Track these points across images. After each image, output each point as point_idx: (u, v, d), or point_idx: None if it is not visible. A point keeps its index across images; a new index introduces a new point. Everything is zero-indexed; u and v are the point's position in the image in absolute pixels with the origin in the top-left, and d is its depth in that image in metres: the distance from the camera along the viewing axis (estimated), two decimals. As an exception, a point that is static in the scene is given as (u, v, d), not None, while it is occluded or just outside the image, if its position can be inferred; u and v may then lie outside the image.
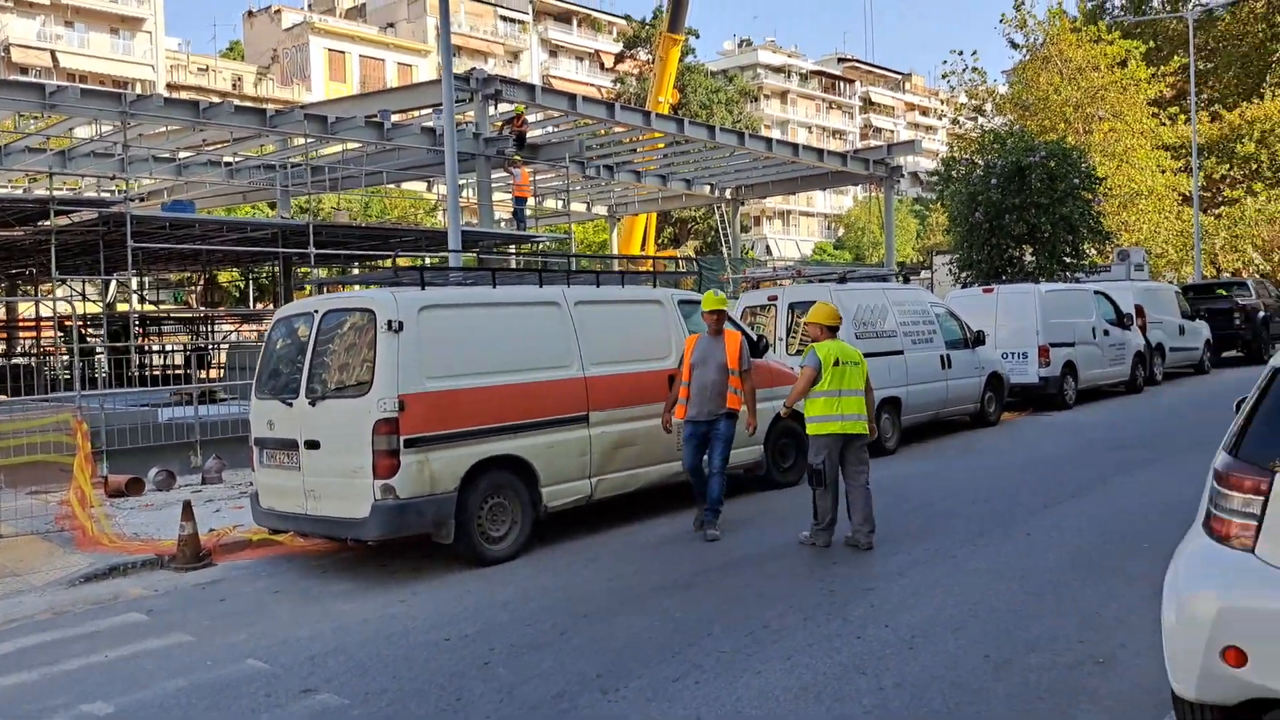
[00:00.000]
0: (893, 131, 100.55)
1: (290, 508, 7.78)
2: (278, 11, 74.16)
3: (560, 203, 37.19)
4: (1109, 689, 4.70)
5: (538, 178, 29.95)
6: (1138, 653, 5.07)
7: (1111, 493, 9.26)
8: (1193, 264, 32.16)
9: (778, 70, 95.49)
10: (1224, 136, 39.15)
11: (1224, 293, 24.06)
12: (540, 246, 25.56)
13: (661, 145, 30.07)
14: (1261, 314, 23.35)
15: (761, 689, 4.88)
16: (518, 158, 23.06)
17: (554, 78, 74.48)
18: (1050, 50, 34.05)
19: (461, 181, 25.69)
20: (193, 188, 25.83)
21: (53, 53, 55.25)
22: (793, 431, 10.16)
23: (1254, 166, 38.38)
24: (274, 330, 8.51)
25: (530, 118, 25.77)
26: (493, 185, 25.28)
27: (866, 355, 11.68)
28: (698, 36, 59.29)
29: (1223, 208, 37.23)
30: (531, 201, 29.41)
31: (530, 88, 24.10)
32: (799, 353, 12.05)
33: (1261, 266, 36.38)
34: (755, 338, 9.89)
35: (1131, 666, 4.94)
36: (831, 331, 7.93)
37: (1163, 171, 32.42)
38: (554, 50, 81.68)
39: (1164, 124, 33.90)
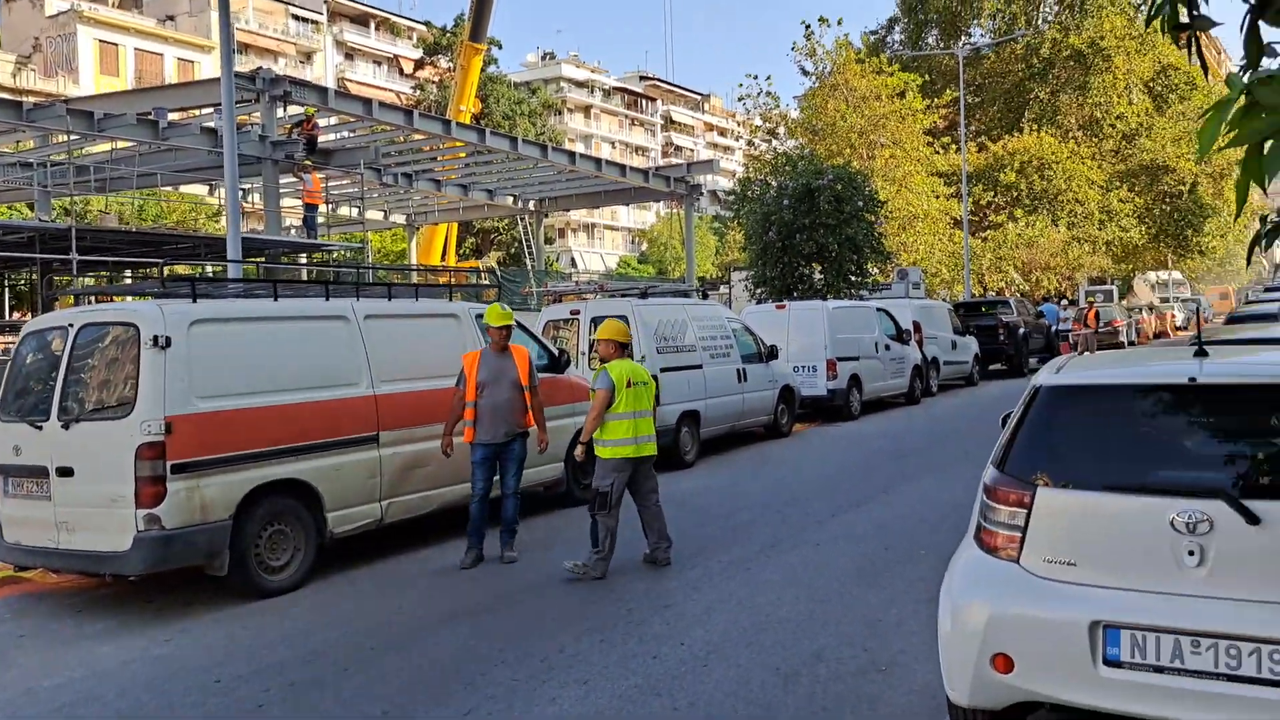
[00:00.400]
0: (693, 150, 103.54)
1: (40, 541, 7.00)
2: (40, -5, 68.06)
3: (356, 210, 36.11)
4: (890, 696, 4.86)
5: (332, 184, 28.83)
6: (916, 658, 5.27)
7: (893, 501, 9.73)
8: (963, 283, 34.69)
9: (581, 85, 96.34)
10: (989, 166, 42.59)
11: (989, 311, 26.04)
12: (333, 256, 24.51)
13: (463, 155, 29.62)
14: (1022, 330, 25.43)
15: (555, 718, 4.75)
16: (308, 162, 22.05)
17: (350, 81, 72.02)
18: (837, 79, 35.89)
19: (246, 186, 24.51)
20: (-66, 184, 23.25)
21: None
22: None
23: (1014, 194, 41.95)
24: (22, 345, 7.66)
25: (323, 122, 24.75)
26: (281, 191, 24.10)
27: (668, 370, 11.99)
28: (500, 47, 58.96)
29: (988, 231, 40.37)
30: (325, 209, 28.25)
31: (323, 90, 23.15)
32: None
33: (1021, 286, 39.74)
34: (557, 352, 9.78)
35: (910, 673, 5.13)
36: (622, 349, 7.80)
37: (936, 197, 34.79)
38: (350, 53, 79.02)
39: (938, 153, 36.44)
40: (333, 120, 24.88)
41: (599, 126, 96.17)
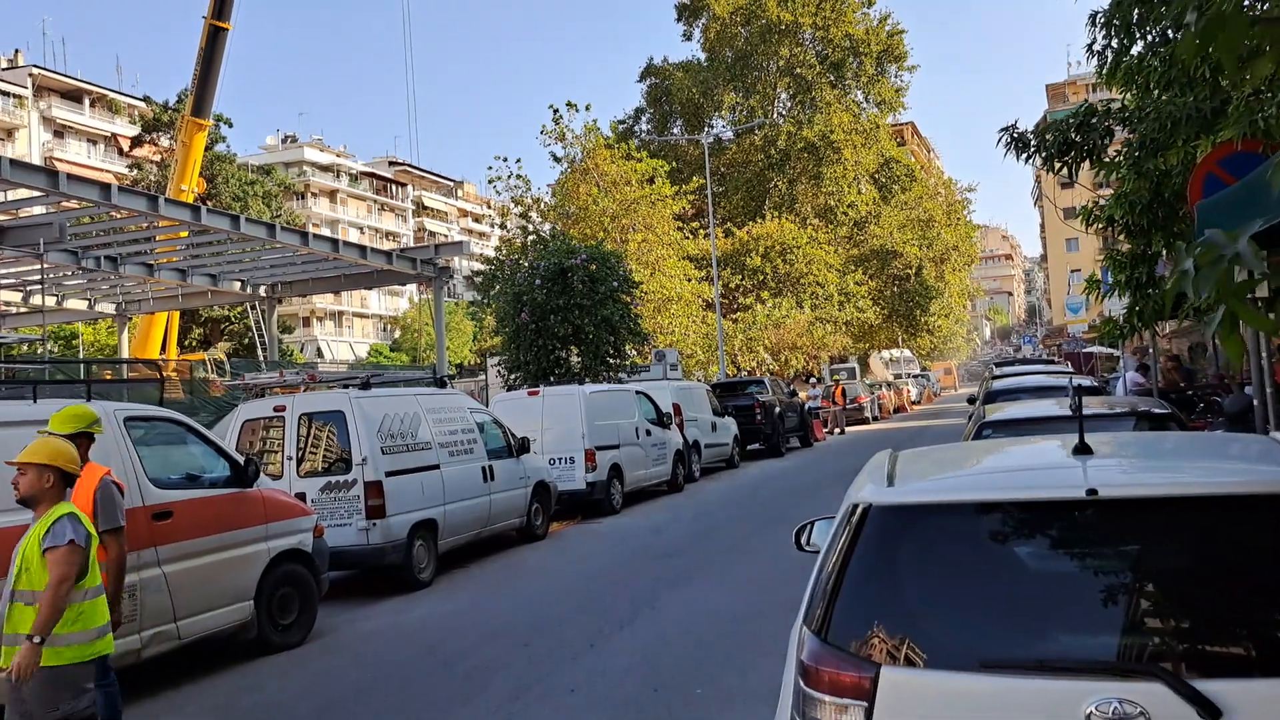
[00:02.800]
0: (446, 236, 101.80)
1: None
2: None
3: (48, 299, 31.68)
4: None
5: (19, 269, 24.94)
6: None
7: (659, 617, 8.34)
8: (718, 363, 34.85)
9: (326, 169, 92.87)
10: (736, 251, 43.79)
11: (746, 390, 25.84)
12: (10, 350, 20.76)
13: (184, 234, 26.56)
14: (777, 409, 25.33)
15: None
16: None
17: (60, 160, 65.42)
18: (588, 163, 35.72)
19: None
20: None
21: None
22: (295, 577, 8.14)
23: (761, 278, 43.22)
24: None
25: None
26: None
27: (396, 474, 10.15)
28: (230, 125, 55.21)
29: (739, 313, 41.18)
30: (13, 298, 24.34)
31: (-20, 157, 19.70)
32: (314, 473, 10.07)
33: (772, 365, 40.63)
34: (242, 459, 7.78)
35: None
36: (65, 481, 4.67)
37: (689, 280, 34.99)
38: (60, 130, 72.11)
39: (688, 237, 36.85)
40: (10, 195, 21.38)
41: (346, 211, 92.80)
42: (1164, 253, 7.79)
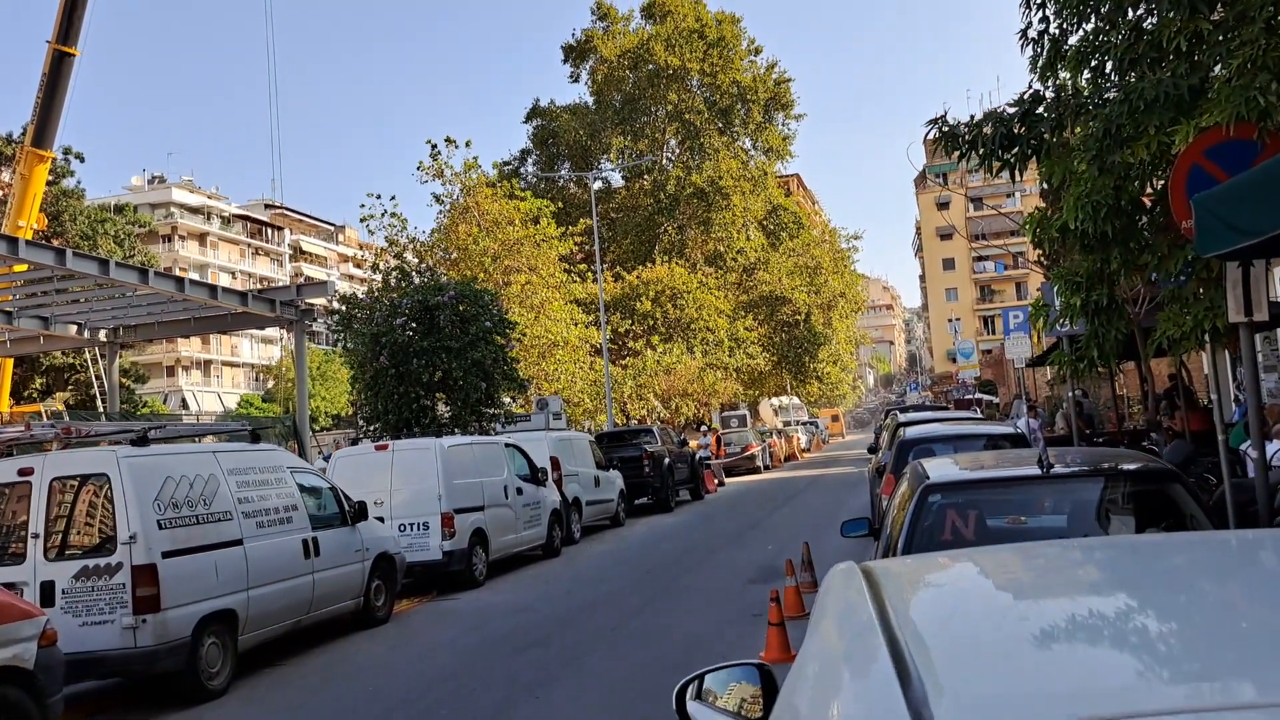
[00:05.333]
0: (330, 281, 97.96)
1: None
2: None
3: None
4: None
5: None
6: None
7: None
8: (606, 412, 33.10)
9: (196, 211, 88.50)
10: (626, 295, 42.41)
11: (633, 440, 24.10)
12: None
13: (4, 269, 23.63)
14: (667, 460, 23.63)
15: None
16: None
17: (-105, 195, 60.05)
18: (468, 201, 33.93)
19: None
20: None
21: None
22: (6, 707, 5.91)
23: (651, 323, 41.87)
24: None
25: None
26: None
27: (178, 553, 7.98)
28: (81, 160, 51.12)
29: (628, 359, 39.65)
30: None
31: None
32: (68, 555, 7.80)
33: (663, 413, 39.08)
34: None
35: None
36: None
37: (575, 324, 33.32)
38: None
39: (575, 280, 35.23)
40: None
41: (217, 255, 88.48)
42: (1122, 272, 6.38)
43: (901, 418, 14.78)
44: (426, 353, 18.50)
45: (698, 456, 28.15)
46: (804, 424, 58.57)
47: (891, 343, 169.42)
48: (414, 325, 18.79)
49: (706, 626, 9.42)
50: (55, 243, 38.01)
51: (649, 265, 44.90)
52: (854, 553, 7.77)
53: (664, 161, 50.35)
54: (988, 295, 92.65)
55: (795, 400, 59.75)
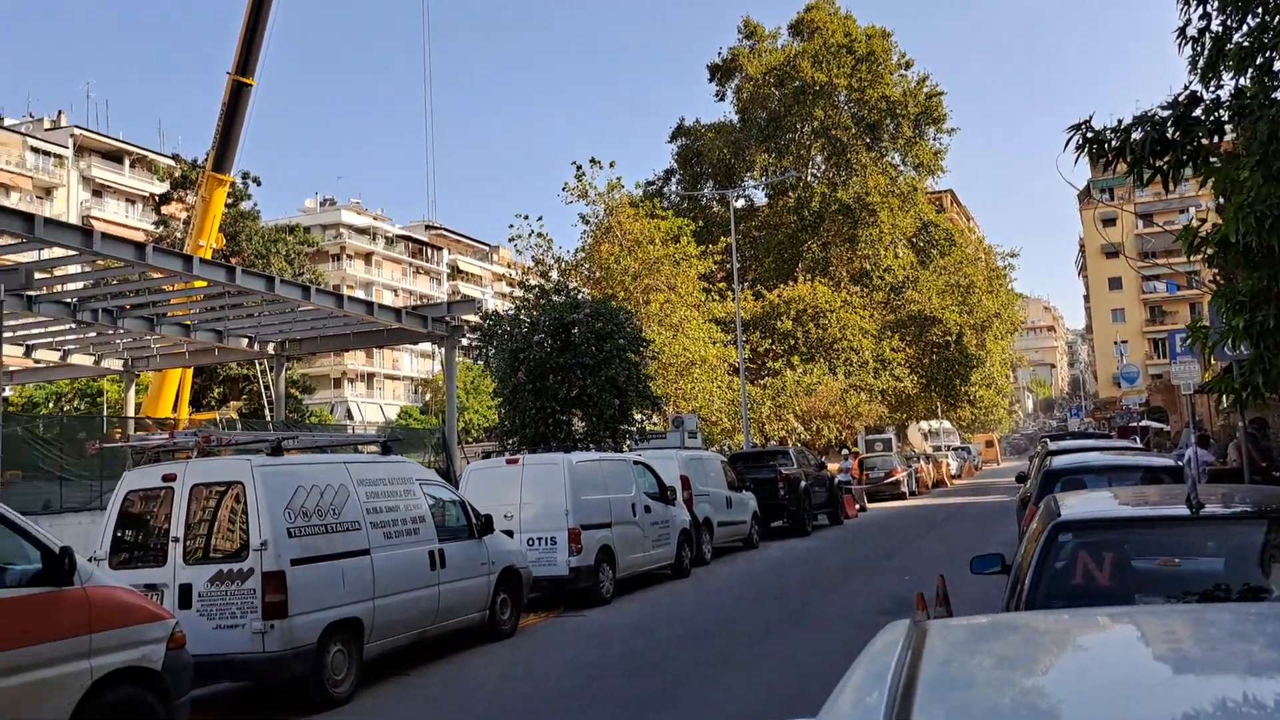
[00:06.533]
0: (480, 298, 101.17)
1: None
2: None
3: (61, 355, 30.58)
4: None
5: (16, 321, 23.75)
6: None
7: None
8: (743, 431, 32.77)
9: (362, 232, 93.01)
10: (766, 314, 41.95)
11: (768, 462, 23.67)
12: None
13: (180, 285, 25.35)
14: (803, 483, 23.09)
15: None
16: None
17: (97, 219, 65.64)
18: (610, 221, 34.32)
19: None
20: None
21: None
22: (132, 706, 6.17)
23: (791, 342, 41.24)
24: None
25: (29, 256, 20.06)
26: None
27: (306, 561, 8.23)
28: (258, 184, 54.58)
29: (767, 379, 39.16)
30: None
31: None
32: (205, 559, 8.16)
33: (803, 434, 38.37)
34: (59, 547, 5.87)
35: None
36: None
37: (714, 343, 33.17)
38: (99, 190, 72.61)
39: (715, 299, 35.12)
40: (52, 253, 20.24)
41: (381, 274, 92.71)
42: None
43: (1051, 446, 13.93)
44: (562, 369, 18.72)
45: (837, 480, 27.45)
46: (955, 449, 56.49)
47: (1053, 366, 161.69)
48: (551, 342, 19.05)
49: (829, 657, 9.04)
50: (233, 261, 40.58)
51: (791, 283, 44.33)
52: (995, 589, 7.30)
53: (808, 178, 49.71)
54: (1158, 317, 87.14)
55: (946, 425, 57.73)
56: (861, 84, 48.51)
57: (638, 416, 20.93)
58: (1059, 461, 10.08)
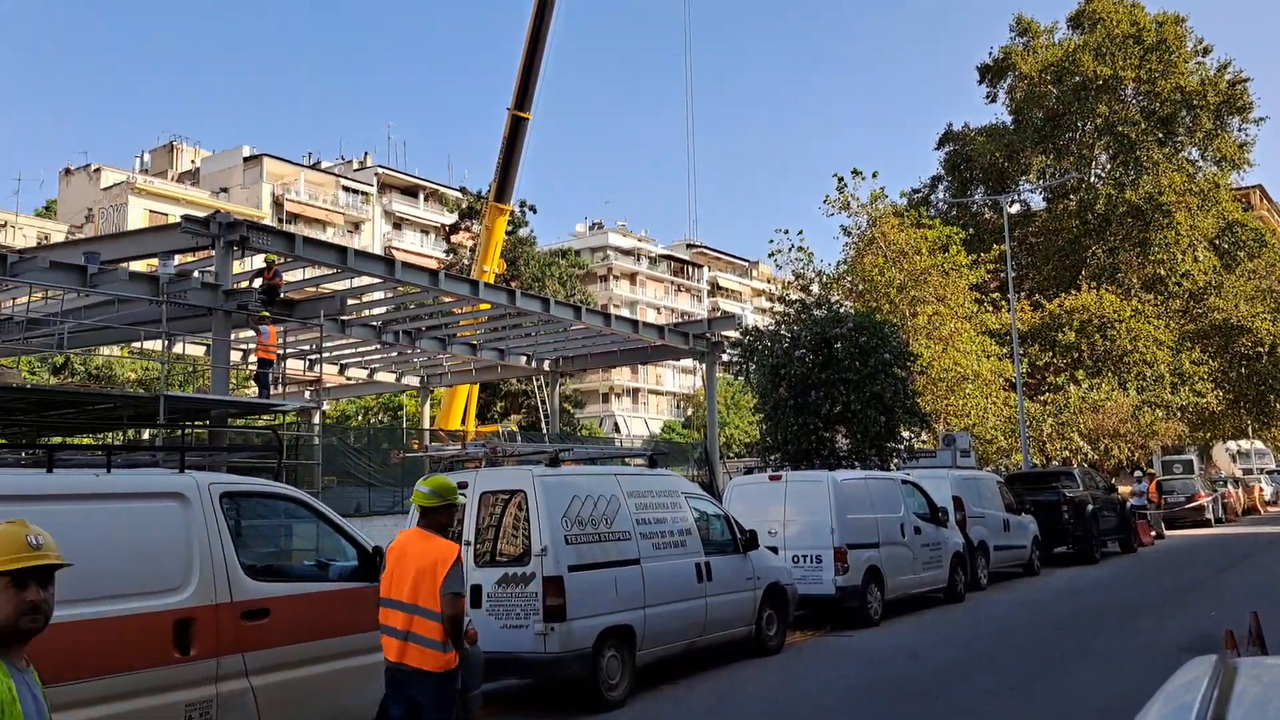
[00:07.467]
0: (740, 314, 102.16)
1: None
2: (97, 170, 70.58)
3: (369, 372, 34.03)
4: None
5: (333, 343, 26.78)
6: None
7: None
8: (1021, 450, 30.95)
9: (628, 253, 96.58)
10: (1045, 325, 39.42)
11: (1050, 483, 22.19)
12: (287, 418, 21.80)
13: (465, 309, 27.57)
14: (1090, 507, 21.46)
15: None
16: (265, 314, 19.73)
17: (397, 249, 72.52)
18: (874, 232, 33.60)
19: (204, 341, 22.39)
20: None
21: None
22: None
23: (1075, 355, 38.50)
24: None
25: (344, 284, 22.74)
26: (247, 346, 21.97)
27: (584, 566, 8.67)
28: (534, 211, 58.36)
29: (1048, 394, 36.79)
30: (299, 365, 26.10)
31: (289, 237, 21.03)
32: (493, 561, 8.80)
33: (1090, 455, 35.67)
34: (372, 547, 6.56)
35: None
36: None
37: (988, 356, 31.60)
38: (398, 223, 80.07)
39: (988, 310, 33.48)
40: (360, 281, 22.88)
41: (645, 293, 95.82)
42: None
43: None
44: (825, 384, 18.54)
45: (1129, 504, 25.29)
46: (1270, 473, 50.37)
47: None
48: (812, 357, 18.92)
49: (1120, 694, 8.36)
50: (512, 285, 43.47)
51: (1073, 292, 41.43)
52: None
53: (1091, 179, 46.38)
54: None
55: (1259, 445, 51.68)
56: (1151, 75, 44.72)
57: (905, 434, 20.31)
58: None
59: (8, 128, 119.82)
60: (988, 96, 50.11)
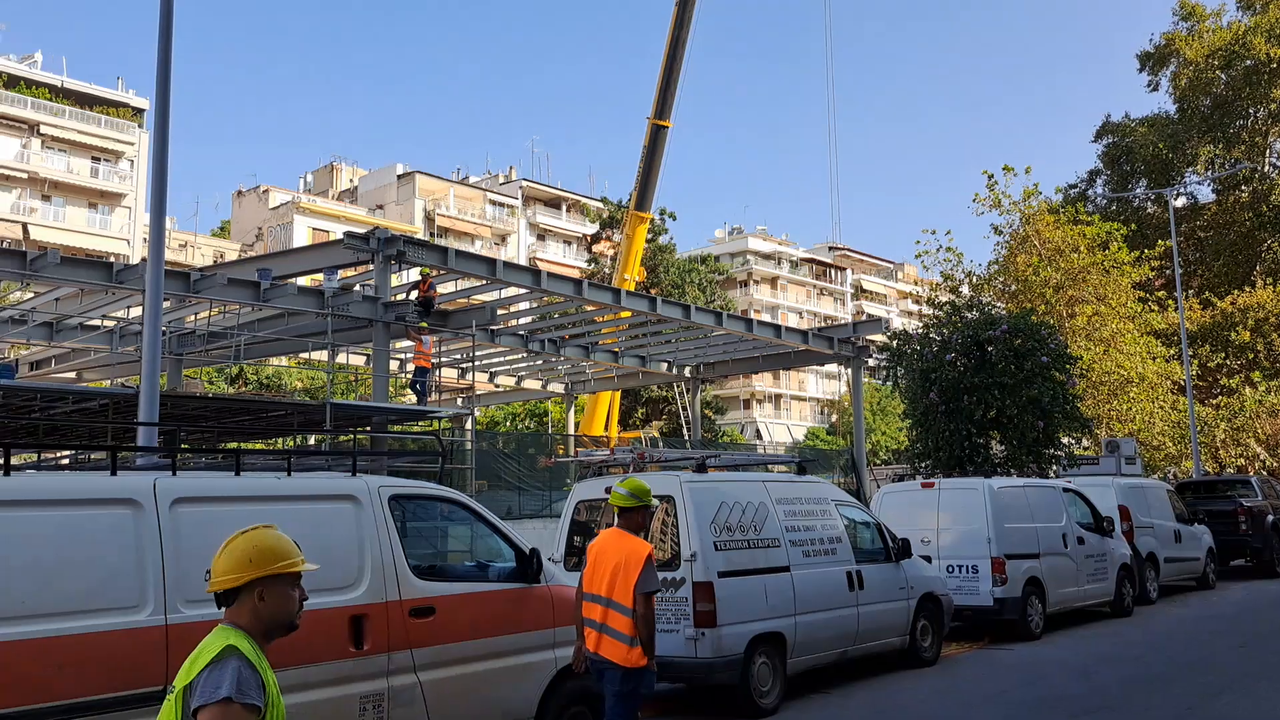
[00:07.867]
0: (886, 318, 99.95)
1: None
2: (265, 191, 75.11)
3: (516, 380, 35.01)
4: None
5: (483, 351, 27.69)
6: None
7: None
8: (1192, 458, 29.14)
9: (768, 257, 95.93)
10: (1217, 324, 37.06)
11: (1226, 492, 20.83)
12: (441, 425, 22.61)
13: (606, 316, 27.99)
14: (1271, 517, 20.04)
15: None
16: (423, 325, 20.58)
17: (541, 260, 74.38)
18: (1027, 230, 32.33)
19: (365, 351, 23.50)
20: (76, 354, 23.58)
21: (24, 225, 54.59)
22: (590, 696, 6.90)
23: (1250, 356, 36.04)
24: None
25: (491, 295, 23.52)
26: (407, 356, 22.94)
27: (732, 574, 8.68)
28: (674, 219, 58.51)
29: (1220, 398, 34.53)
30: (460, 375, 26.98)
31: (443, 250, 21.86)
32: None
33: (1268, 462, 33.27)
34: (529, 549, 6.75)
35: None
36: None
37: (1154, 358, 29.91)
38: (542, 234, 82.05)
39: (1153, 309, 31.70)
40: (508, 291, 23.69)
41: (786, 297, 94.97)
42: None
43: None
44: (978, 389, 17.93)
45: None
46: None
47: None
48: (964, 361, 18.34)
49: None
50: (653, 292, 43.95)
51: (1247, 289, 38.76)
52: None
53: (1265, 168, 43.25)
54: None
55: None
56: (1331, 56, 41.42)
57: (1065, 440, 19.44)
58: None
59: (191, 155, 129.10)
60: (1149, 85, 47.44)
